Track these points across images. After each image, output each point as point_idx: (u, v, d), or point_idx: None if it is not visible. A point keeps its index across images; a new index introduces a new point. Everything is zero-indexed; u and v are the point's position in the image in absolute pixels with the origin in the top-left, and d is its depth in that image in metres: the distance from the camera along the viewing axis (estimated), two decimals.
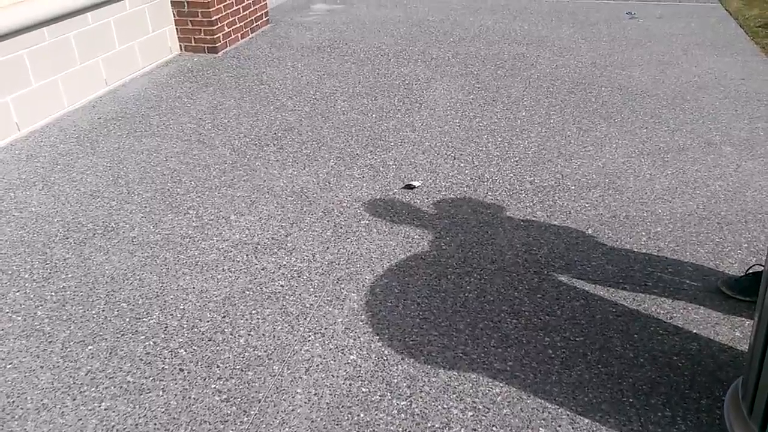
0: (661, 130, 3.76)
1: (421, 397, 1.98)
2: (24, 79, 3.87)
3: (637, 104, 4.12)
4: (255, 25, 5.82)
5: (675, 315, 2.30)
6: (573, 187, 3.17)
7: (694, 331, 2.23)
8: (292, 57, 5.17)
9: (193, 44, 5.28)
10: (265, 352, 2.18)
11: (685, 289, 2.44)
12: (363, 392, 2.01)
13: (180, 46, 5.32)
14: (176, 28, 5.23)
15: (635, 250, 2.68)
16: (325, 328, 2.28)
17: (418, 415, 1.92)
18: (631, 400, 1.96)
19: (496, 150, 3.56)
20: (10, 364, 2.15)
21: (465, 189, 3.18)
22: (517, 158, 3.47)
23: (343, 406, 1.96)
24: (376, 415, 1.93)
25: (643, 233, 2.79)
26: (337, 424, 1.90)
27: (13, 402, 2.00)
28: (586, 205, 3.01)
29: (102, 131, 3.90)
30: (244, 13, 5.60)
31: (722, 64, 4.78)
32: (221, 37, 5.28)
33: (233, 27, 5.45)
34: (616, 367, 2.08)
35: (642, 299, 2.39)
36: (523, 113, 4.03)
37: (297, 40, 5.63)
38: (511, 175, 3.30)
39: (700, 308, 2.33)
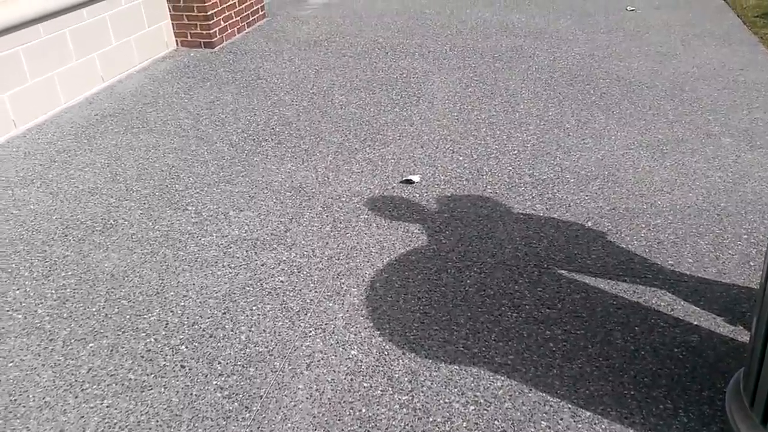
0: (660, 121, 3.75)
1: (422, 392, 1.98)
2: (20, 76, 3.85)
3: (636, 96, 4.11)
4: (251, 19, 5.80)
5: (676, 307, 2.31)
6: (572, 180, 3.16)
7: (695, 323, 2.23)
8: (288, 51, 5.15)
9: (190, 39, 5.26)
10: (266, 348, 2.18)
11: (686, 281, 2.44)
12: (364, 387, 2.01)
13: (176, 41, 5.30)
14: (172, 23, 5.21)
15: (635, 242, 2.68)
16: (326, 324, 2.28)
17: (419, 409, 1.92)
18: (632, 392, 1.96)
19: (495, 143, 3.56)
20: (11, 362, 2.15)
21: (464, 183, 3.17)
22: (515, 151, 3.46)
23: (344, 402, 1.96)
24: (378, 409, 1.93)
25: (643, 225, 2.79)
26: (339, 419, 1.90)
27: (15, 400, 2.00)
28: (586, 198, 3.01)
29: (99, 128, 3.89)
30: (240, 6, 5.57)
31: (721, 54, 4.77)
32: (217, 31, 5.25)
33: (229, 21, 5.42)
34: (617, 360, 2.08)
35: (642, 291, 2.39)
36: (522, 106, 4.02)
37: (293, 33, 5.61)
38: (510, 168, 3.29)
39: (701, 300, 2.33)
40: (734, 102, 3.96)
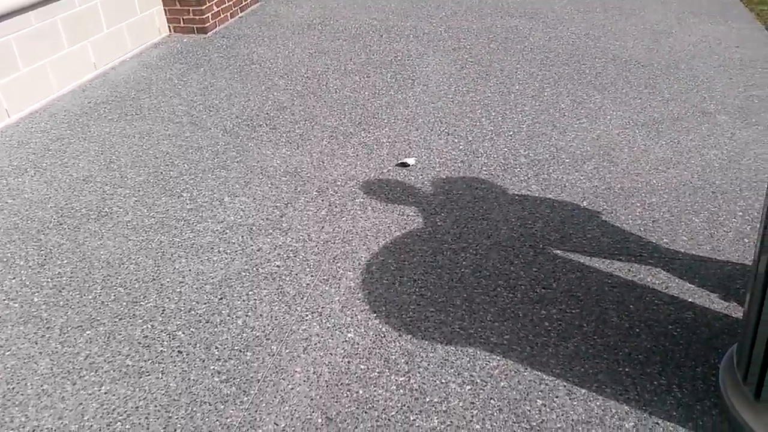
0: (656, 100, 3.74)
1: (419, 373, 2.00)
2: (12, 64, 3.82)
3: (631, 74, 4.10)
4: (244, 3, 5.75)
5: (670, 285, 2.31)
6: (567, 160, 3.16)
7: (690, 300, 2.24)
8: (282, 35, 5.12)
9: (182, 25, 5.22)
10: (263, 332, 2.18)
11: (680, 258, 2.45)
12: (361, 369, 2.02)
13: (169, 27, 5.25)
14: (164, 9, 5.17)
15: (630, 221, 2.68)
16: (322, 307, 2.28)
17: (416, 390, 1.94)
18: (627, 369, 1.97)
19: (490, 125, 3.55)
20: (8, 351, 2.16)
21: (459, 165, 3.17)
22: (511, 132, 3.45)
23: (342, 384, 1.97)
24: (375, 391, 1.94)
25: (638, 204, 2.79)
26: (337, 401, 1.91)
27: (14, 388, 2.01)
28: (581, 178, 3.00)
29: (93, 115, 3.87)
30: None
31: (717, 32, 4.74)
32: (210, 17, 5.21)
33: (222, 6, 5.38)
34: (611, 338, 2.09)
35: (637, 270, 2.40)
36: (517, 87, 4.00)
37: (287, 18, 5.56)
38: (506, 149, 3.29)
39: (695, 277, 2.34)
40: (730, 79, 3.94)
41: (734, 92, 3.77)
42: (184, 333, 2.20)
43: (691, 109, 3.60)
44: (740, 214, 2.69)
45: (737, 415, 1.72)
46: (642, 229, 2.63)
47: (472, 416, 1.84)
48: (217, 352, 2.11)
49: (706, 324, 2.13)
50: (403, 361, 2.04)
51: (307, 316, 2.25)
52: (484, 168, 3.13)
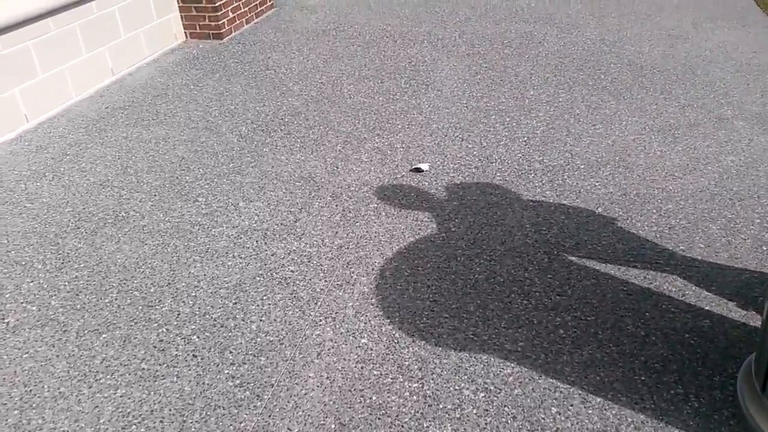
0: (672, 105, 3.71)
1: (432, 379, 1.99)
2: (31, 70, 3.87)
3: (647, 80, 4.07)
4: (259, 9, 5.79)
5: (687, 292, 2.29)
6: (582, 166, 3.14)
7: (707, 308, 2.22)
8: (297, 41, 5.15)
9: (198, 31, 5.26)
10: (276, 337, 2.19)
11: (697, 266, 2.42)
12: (375, 375, 2.02)
13: (185, 33, 5.30)
14: (181, 15, 5.21)
15: (646, 228, 2.66)
16: (336, 312, 2.29)
17: (429, 396, 1.93)
18: (643, 378, 1.96)
19: (505, 130, 3.54)
20: (26, 353, 2.18)
21: (473, 170, 3.16)
22: (525, 138, 3.44)
23: (355, 389, 1.97)
24: (388, 397, 1.94)
25: (654, 211, 2.77)
26: (350, 407, 1.91)
27: (31, 391, 2.03)
28: (596, 184, 2.99)
29: (110, 121, 3.91)
30: None
31: (733, 37, 4.70)
32: (226, 23, 5.25)
33: (237, 12, 5.42)
34: (627, 346, 2.08)
35: (653, 277, 2.38)
36: (531, 92, 3.99)
37: (302, 23, 5.59)
38: (520, 155, 3.28)
39: (713, 285, 2.32)
40: (747, 85, 3.90)
41: (752, 98, 3.73)
42: (198, 337, 2.21)
43: (707, 115, 3.57)
44: (758, 221, 2.66)
45: (756, 425, 1.70)
46: (658, 236, 2.61)
47: (486, 423, 1.83)
48: (231, 357, 2.12)
49: (724, 333, 2.11)
50: (416, 367, 2.04)
51: (320, 321, 2.25)
52: (498, 174, 3.12)
